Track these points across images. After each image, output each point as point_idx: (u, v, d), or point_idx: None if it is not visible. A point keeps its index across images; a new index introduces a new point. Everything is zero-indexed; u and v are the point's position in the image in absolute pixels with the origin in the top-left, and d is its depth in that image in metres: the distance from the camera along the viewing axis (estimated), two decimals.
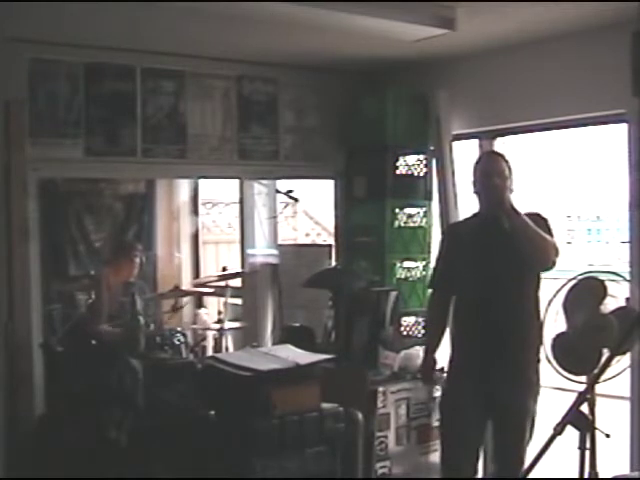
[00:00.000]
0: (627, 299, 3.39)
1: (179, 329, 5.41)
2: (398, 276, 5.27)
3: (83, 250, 6.78)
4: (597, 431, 2.68)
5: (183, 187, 7.41)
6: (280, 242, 6.04)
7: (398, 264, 5.28)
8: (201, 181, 7.21)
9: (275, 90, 5.45)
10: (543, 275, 3.74)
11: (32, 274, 4.54)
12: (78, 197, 6.80)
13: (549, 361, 3.47)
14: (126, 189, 7.10)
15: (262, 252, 5.79)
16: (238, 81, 5.30)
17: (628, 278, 3.76)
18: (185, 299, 6.49)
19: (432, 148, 5.29)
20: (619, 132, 4.31)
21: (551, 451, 2.37)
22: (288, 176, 5.69)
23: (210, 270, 7.34)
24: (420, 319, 5.21)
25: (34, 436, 4.46)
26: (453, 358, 3.87)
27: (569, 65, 4.46)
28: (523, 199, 3.80)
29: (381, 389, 4.34)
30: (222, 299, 6.06)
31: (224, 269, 6.14)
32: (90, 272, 6.18)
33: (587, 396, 2.48)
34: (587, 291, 3.35)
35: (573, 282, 3.44)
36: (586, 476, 2.64)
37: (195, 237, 7.50)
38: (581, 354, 3.24)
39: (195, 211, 7.51)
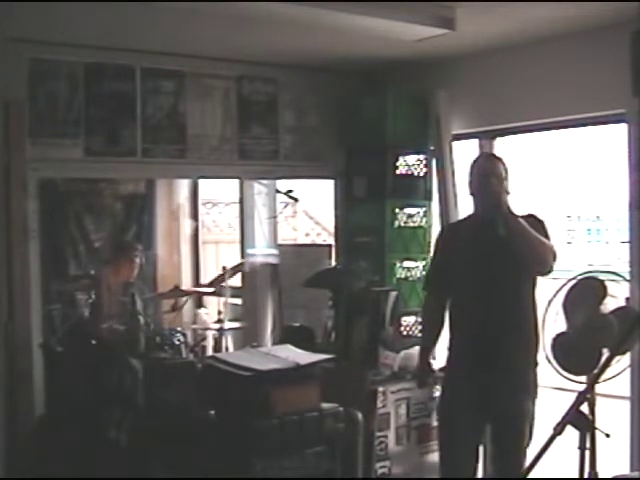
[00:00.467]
0: (627, 299, 3.39)
1: (179, 329, 5.41)
2: (398, 276, 5.27)
3: (83, 250, 6.78)
4: (597, 431, 2.68)
5: (183, 187, 7.41)
6: (280, 242, 6.04)
7: (398, 264, 5.28)
8: (201, 181, 7.21)
9: (275, 90, 5.45)
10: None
11: (32, 274, 4.54)
12: (78, 197, 6.80)
13: (549, 361, 3.47)
14: (126, 189, 7.10)
15: (262, 252, 5.79)
16: (238, 81, 5.30)
17: (628, 278, 3.77)
18: (184, 298, 6.49)
19: (432, 148, 5.29)
20: (619, 132, 4.31)
21: (551, 451, 2.37)
22: (288, 176, 5.70)
23: (210, 270, 7.34)
24: (420, 319, 5.20)
25: (34, 436, 4.46)
26: (450, 360, 3.86)
27: (569, 65, 4.46)
28: (523, 199, 3.79)
29: (381, 389, 4.34)
30: (222, 299, 6.06)
31: (224, 269, 6.14)
32: (90, 272, 6.18)
33: (587, 396, 2.48)
34: (587, 291, 3.35)
35: (573, 282, 3.44)
36: (586, 476, 2.64)
37: (195, 237, 7.50)
38: (581, 354, 3.24)
39: (195, 213, 7.50)
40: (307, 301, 5.32)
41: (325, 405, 3.86)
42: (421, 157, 5.37)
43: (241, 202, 5.81)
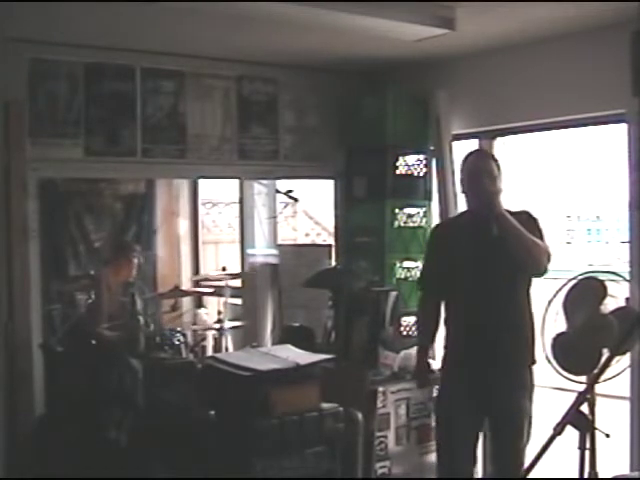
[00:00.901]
0: (627, 299, 3.39)
1: (179, 329, 5.41)
2: (398, 276, 5.27)
3: (83, 250, 6.78)
4: (597, 431, 2.69)
5: (183, 187, 7.41)
6: (280, 242, 6.04)
7: (398, 264, 5.28)
8: (201, 181, 7.21)
9: (275, 90, 5.45)
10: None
11: (32, 274, 4.54)
12: (78, 197, 6.80)
13: (549, 361, 3.47)
14: (126, 189, 7.10)
15: (262, 252, 5.79)
16: (238, 81, 5.30)
17: (628, 278, 3.76)
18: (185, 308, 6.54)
19: (432, 148, 5.29)
20: (619, 132, 4.31)
21: (551, 451, 2.37)
22: (288, 176, 5.70)
23: (210, 270, 7.34)
24: (416, 318, 5.20)
25: (34, 436, 4.46)
26: (446, 359, 3.85)
27: (569, 65, 4.46)
28: (523, 199, 3.79)
29: (381, 389, 4.34)
30: (222, 299, 6.07)
31: (224, 269, 6.14)
32: (90, 272, 6.18)
33: (587, 396, 2.48)
34: (587, 291, 3.35)
35: (573, 282, 3.44)
36: (586, 476, 2.64)
37: (195, 237, 7.50)
38: (581, 354, 3.24)
39: (195, 213, 7.50)
40: (307, 301, 5.32)
41: (325, 405, 3.86)
42: (421, 157, 5.37)
43: (241, 202, 5.81)
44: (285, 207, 7.09)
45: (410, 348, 4.61)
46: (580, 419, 2.44)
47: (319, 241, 9.27)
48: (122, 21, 4.15)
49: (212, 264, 7.60)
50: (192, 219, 7.53)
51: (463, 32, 4.26)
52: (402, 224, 5.30)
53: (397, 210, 5.28)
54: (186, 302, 6.86)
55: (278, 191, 5.79)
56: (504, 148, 5.00)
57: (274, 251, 5.79)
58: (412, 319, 5.26)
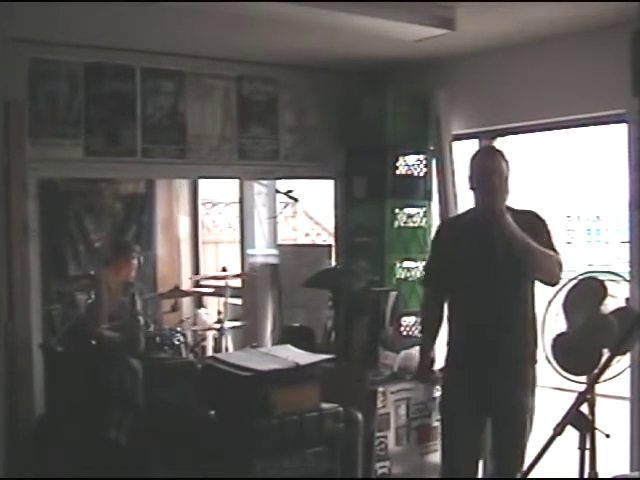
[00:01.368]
0: (627, 299, 3.38)
1: (179, 329, 5.41)
2: (398, 276, 5.27)
3: (83, 250, 6.78)
4: (597, 431, 2.68)
5: (183, 187, 7.41)
6: (280, 242, 6.04)
7: (398, 264, 5.28)
8: (201, 181, 7.21)
9: (275, 90, 5.45)
10: None
11: (32, 274, 4.54)
12: (78, 197, 6.80)
13: (549, 361, 3.47)
14: (126, 189, 7.10)
15: (262, 252, 5.79)
16: (238, 81, 5.31)
17: (628, 278, 3.76)
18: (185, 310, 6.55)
19: (432, 148, 5.29)
20: (619, 132, 4.31)
21: (551, 451, 2.37)
22: (288, 176, 5.70)
23: (210, 270, 7.34)
24: (419, 316, 5.20)
25: (34, 436, 4.46)
26: (449, 357, 3.85)
27: (569, 65, 4.46)
28: (523, 199, 3.78)
29: (381, 389, 4.33)
30: (222, 299, 6.06)
31: (224, 269, 6.14)
32: (90, 272, 6.17)
33: (587, 396, 2.48)
34: (587, 291, 3.35)
35: (573, 282, 3.44)
36: (586, 476, 2.64)
37: (195, 237, 7.50)
38: (581, 354, 3.23)
39: (195, 213, 7.50)
40: (307, 301, 5.32)
41: (325, 405, 3.86)
42: (421, 157, 5.37)
43: (241, 202, 5.81)
44: (285, 207, 7.09)
45: (410, 348, 4.62)
46: (580, 419, 2.44)
47: (319, 241, 9.27)
48: (122, 21, 4.15)
49: (212, 264, 7.60)
50: (192, 219, 7.53)
51: (463, 32, 4.26)
52: (402, 224, 5.30)
53: (397, 210, 5.28)
54: (186, 302, 6.86)
55: (278, 191, 5.79)
56: (504, 148, 5.00)
57: (274, 251, 5.79)
58: (412, 319, 5.27)
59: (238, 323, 5.88)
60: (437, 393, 4.48)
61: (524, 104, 4.69)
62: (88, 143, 4.74)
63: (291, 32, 4.42)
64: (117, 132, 4.84)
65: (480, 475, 4.02)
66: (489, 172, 3.60)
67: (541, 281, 3.60)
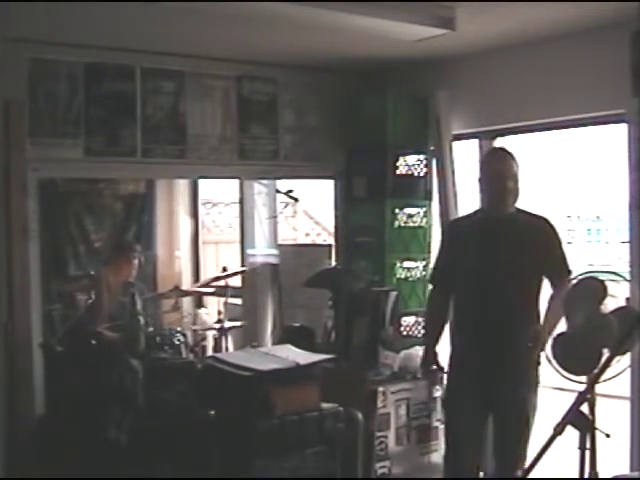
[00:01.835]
0: (627, 299, 3.38)
1: (179, 329, 5.41)
2: (398, 276, 5.27)
3: (83, 250, 6.78)
4: (597, 431, 2.68)
5: (183, 187, 7.41)
6: (280, 242, 6.04)
7: (398, 264, 5.28)
8: (201, 181, 7.21)
9: (275, 90, 5.45)
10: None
11: (32, 274, 4.54)
12: (78, 197, 6.80)
13: (549, 361, 3.46)
14: (126, 189, 7.10)
15: (262, 252, 5.79)
16: (238, 81, 5.30)
17: (628, 278, 3.76)
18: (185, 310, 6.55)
19: (432, 148, 5.29)
20: (619, 132, 4.31)
21: (551, 451, 2.37)
22: (288, 176, 5.70)
23: (210, 270, 7.34)
24: (420, 319, 5.21)
25: (34, 436, 4.46)
26: (453, 356, 3.87)
27: (569, 65, 4.46)
28: (523, 199, 3.79)
29: (381, 389, 4.34)
30: (222, 299, 6.06)
31: (224, 269, 6.14)
32: (90, 272, 6.17)
33: (587, 396, 2.48)
34: (587, 291, 3.34)
35: (573, 282, 3.44)
36: (586, 476, 2.64)
37: (195, 237, 7.49)
38: (581, 354, 3.23)
39: (195, 213, 7.50)
40: (307, 301, 5.32)
41: (325, 405, 3.86)
42: (421, 157, 5.37)
43: (241, 202, 5.81)
44: (285, 207, 7.09)
45: (410, 348, 4.62)
46: (580, 419, 2.44)
47: (319, 241, 9.27)
48: (122, 21, 4.15)
49: (212, 264, 7.60)
50: (192, 219, 7.52)
51: (463, 32, 4.26)
52: (402, 224, 5.30)
53: (397, 210, 5.28)
54: (186, 302, 6.86)
55: (278, 191, 5.79)
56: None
57: (274, 251, 5.79)
58: (412, 319, 5.27)
59: (238, 323, 5.88)
60: (437, 393, 4.50)
61: (524, 104, 4.68)
62: (88, 143, 4.74)
63: (291, 32, 4.41)
64: (117, 132, 4.83)
65: (481, 474, 4.03)
66: (499, 175, 3.63)
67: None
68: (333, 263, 5.59)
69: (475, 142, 5.09)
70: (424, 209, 5.38)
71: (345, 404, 3.94)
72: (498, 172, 3.66)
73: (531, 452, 3.53)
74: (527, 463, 2.80)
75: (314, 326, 4.96)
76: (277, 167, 5.51)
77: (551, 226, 3.72)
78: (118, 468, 4.15)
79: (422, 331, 5.17)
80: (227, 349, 5.81)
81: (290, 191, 5.72)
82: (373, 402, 4.29)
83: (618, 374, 2.99)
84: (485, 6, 3.92)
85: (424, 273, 5.31)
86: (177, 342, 5.14)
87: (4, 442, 4.43)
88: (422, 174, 5.38)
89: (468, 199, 4.98)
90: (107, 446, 4.31)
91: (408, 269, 5.33)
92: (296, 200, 6.03)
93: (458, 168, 5.14)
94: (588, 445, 2.59)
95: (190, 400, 4.09)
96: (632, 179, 4.18)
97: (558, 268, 3.65)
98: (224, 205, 8.66)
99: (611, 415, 3.80)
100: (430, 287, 4.15)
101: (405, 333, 5.23)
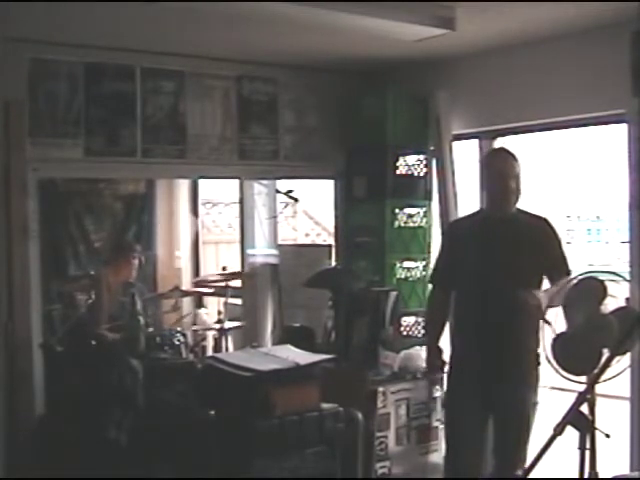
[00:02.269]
0: (627, 299, 3.38)
1: (179, 329, 5.41)
2: (398, 276, 5.27)
3: (83, 250, 6.78)
4: (597, 431, 2.68)
5: (183, 187, 7.41)
6: (280, 242, 6.03)
7: (398, 264, 5.28)
8: (201, 181, 7.21)
9: (275, 90, 5.45)
10: None
11: (32, 274, 4.54)
12: (78, 197, 6.80)
13: (549, 361, 3.46)
14: (126, 189, 7.10)
15: (262, 252, 5.78)
16: (238, 81, 5.30)
17: (628, 278, 3.76)
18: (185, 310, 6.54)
19: (432, 148, 5.29)
20: (619, 132, 4.31)
21: (551, 451, 2.37)
22: (288, 176, 5.70)
23: (210, 270, 7.34)
24: (420, 319, 5.21)
25: (34, 436, 4.46)
26: (453, 356, 3.88)
27: (569, 65, 4.46)
28: (524, 199, 3.80)
29: (381, 389, 4.34)
30: (222, 299, 6.06)
31: (224, 269, 6.14)
32: (90, 272, 6.18)
33: (587, 396, 2.48)
34: (587, 291, 3.34)
35: (573, 282, 3.44)
36: (586, 476, 2.64)
37: (195, 237, 7.49)
38: (581, 354, 3.23)
39: (195, 213, 7.50)
40: (307, 301, 5.32)
41: (325, 405, 3.86)
42: (421, 157, 5.37)
43: (241, 202, 5.80)
44: (285, 207, 7.08)
45: (410, 348, 4.62)
46: (580, 419, 2.44)
47: (319, 241, 9.27)
48: (122, 21, 4.15)
49: (212, 264, 7.60)
50: (192, 219, 7.52)
51: (463, 32, 4.26)
52: (402, 224, 5.30)
53: (397, 210, 5.27)
54: (186, 302, 6.86)
55: (278, 191, 5.79)
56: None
57: (274, 251, 5.79)
58: (412, 319, 5.27)
59: (238, 323, 5.88)
60: (437, 393, 4.49)
61: (524, 104, 4.68)
62: (88, 143, 4.74)
63: (291, 32, 4.41)
64: (117, 132, 4.83)
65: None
66: (501, 175, 3.64)
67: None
68: (333, 263, 5.59)
69: (475, 142, 5.09)
70: (424, 209, 5.38)
71: (345, 404, 3.94)
72: (500, 172, 3.67)
73: (531, 452, 3.54)
74: (527, 463, 2.80)
75: (314, 326, 4.96)
76: (277, 167, 5.51)
77: (551, 226, 3.73)
78: (118, 468, 4.14)
79: (422, 331, 5.18)
80: (227, 349, 5.81)
81: (290, 191, 5.72)
82: (373, 402, 4.29)
83: (618, 374, 2.99)
84: (485, 6, 3.92)
85: (424, 273, 5.31)
86: (177, 342, 5.13)
87: (4, 442, 4.43)
88: (422, 174, 5.38)
89: (468, 199, 4.99)
90: (107, 446, 4.31)
91: (408, 269, 5.33)
92: (296, 200, 6.02)
93: (458, 168, 5.14)
94: (588, 445, 2.59)
95: (190, 400, 4.09)
96: (632, 179, 4.18)
97: (558, 268, 3.65)
98: (224, 205, 8.65)
99: (611, 415, 3.81)
100: (430, 287, 4.16)
101: (405, 333, 5.23)
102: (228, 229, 8.51)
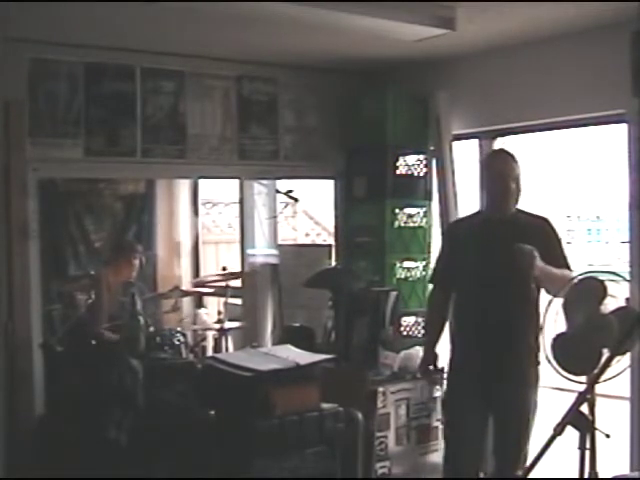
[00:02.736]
0: (627, 299, 3.38)
1: (179, 329, 5.41)
2: (398, 276, 5.27)
3: (83, 250, 6.78)
4: (597, 431, 2.68)
5: (183, 187, 7.41)
6: (280, 242, 6.03)
7: (398, 264, 5.28)
8: (201, 181, 7.21)
9: (275, 90, 5.45)
10: None
11: (32, 274, 4.54)
12: (78, 197, 6.80)
13: (549, 361, 3.47)
14: (126, 189, 7.10)
15: (262, 252, 5.79)
16: (238, 81, 5.30)
17: (628, 278, 3.76)
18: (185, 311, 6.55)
19: (432, 148, 5.29)
20: (619, 132, 4.31)
21: (551, 451, 2.37)
22: (288, 176, 5.70)
23: (210, 270, 7.34)
24: (420, 319, 5.21)
25: (34, 436, 4.46)
26: (453, 356, 3.88)
27: (569, 65, 4.46)
28: (524, 199, 3.80)
29: (381, 389, 4.34)
30: (222, 299, 6.06)
31: (224, 269, 6.14)
32: (90, 272, 6.18)
33: (587, 396, 2.48)
34: (587, 291, 3.34)
35: (573, 282, 3.44)
36: (586, 476, 2.64)
37: (195, 237, 7.49)
38: (581, 354, 3.23)
39: (195, 211, 7.50)
40: (307, 301, 5.32)
41: (325, 405, 3.86)
42: (421, 157, 5.37)
43: (241, 202, 5.80)
44: (285, 207, 7.08)
45: (410, 348, 4.62)
46: (580, 419, 2.44)
47: (319, 241, 9.27)
48: (122, 21, 4.15)
49: (212, 264, 7.60)
50: (193, 219, 7.52)
51: (463, 32, 4.26)
52: (402, 224, 5.30)
53: (397, 210, 5.27)
54: (186, 302, 6.86)
55: (278, 191, 5.79)
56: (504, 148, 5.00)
57: (274, 251, 5.79)
58: (412, 319, 5.27)
59: (238, 323, 5.88)
60: (437, 393, 4.49)
61: (524, 104, 4.68)
62: (88, 143, 4.74)
63: (291, 32, 4.41)
64: (117, 132, 4.83)
65: (481, 474, 4.03)
66: (501, 176, 3.65)
67: (546, 292, 3.61)
68: (333, 263, 5.59)
69: (475, 142, 5.09)
70: (424, 209, 5.38)
71: (345, 404, 3.94)
72: (500, 173, 3.67)
73: (531, 452, 3.54)
74: (527, 463, 2.80)
75: (314, 326, 4.95)
76: (277, 167, 5.51)
77: (551, 226, 3.73)
78: (118, 468, 4.14)
79: (422, 331, 5.18)
80: (227, 349, 5.81)
81: (290, 191, 5.72)
82: (373, 402, 4.29)
83: (618, 374, 2.99)
84: (485, 6, 3.92)
85: (424, 273, 5.31)
86: (177, 342, 5.13)
87: (4, 442, 4.43)
88: (422, 174, 5.38)
89: (468, 199, 4.99)
90: (107, 446, 4.31)
91: (408, 269, 5.33)
92: (296, 200, 6.02)
93: (458, 168, 5.14)
94: (588, 445, 2.59)
95: (190, 400, 4.09)
96: (632, 179, 4.18)
97: (560, 267, 3.65)
98: (224, 205, 8.65)
99: (611, 415, 3.81)
100: (430, 287, 4.16)
101: (405, 333, 5.23)
102: (228, 229, 8.51)
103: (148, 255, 6.62)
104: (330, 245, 5.89)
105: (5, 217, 4.43)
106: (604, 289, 3.25)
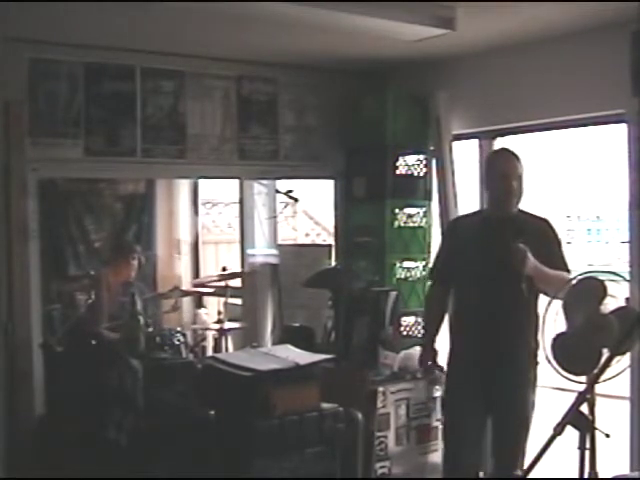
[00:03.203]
0: (627, 299, 3.38)
1: (179, 329, 5.41)
2: (398, 276, 5.27)
3: (83, 250, 6.78)
4: (597, 431, 2.68)
5: (183, 187, 7.41)
6: (280, 242, 6.04)
7: (398, 264, 5.28)
8: (201, 181, 7.21)
9: (275, 90, 5.45)
10: None
11: (32, 274, 4.53)
12: (78, 197, 6.80)
13: (549, 361, 3.47)
14: (126, 189, 7.10)
15: (262, 252, 5.79)
16: (238, 81, 5.30)
17: (628, 278, 3.76)
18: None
19: (432, 148, 5.29)
20: (619, 132, 4.31)
21: (551, 451, 2.37)
22: (288, 176, 5.69)
23: (210, 270, 7.34)
24: (420, 319, 5.20)
25: (34, 436, 4.46)
26: (451, 355, 3.88)
27: (569, 65, 4.46)
28: (524, 199, 3.80)
29: (381, 389, 4.34)
30: (222, 299, 6.06)
31: (224, 269, 6.14)
32: (90, 272, 6.18)
33: (587, 396, 2.48)
34: (587, 291, 3.34)
35: (573, 282, 3.44)
36: (586, 476, 2.64)
37: (195, 237, 7.49)
38: (581, 354, 3.23)
39: (195, 211, 7.50)
40: (307, 301, 5.32)
41: (325, 405, 3.86)
42: (421, 157, 5.37)
43: (241, 202, 5.80)
44: (285, 207, 7.08)
45: (410, 348, 4.62)
46: (580, 419, 2.44)
47: (319, 241, 9.27)
48: (122, 21, 4.15)
49: (212, 264, 7.60)
50: (192, 219, 7.52)
51: (463, 32, 4.26)
52: (402, 224, 5.30)
53: (397, 210, 5.27)
54: (186, 302, 6.86)
55: (278, 191, 5.79)
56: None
57: (274, 251, 5.79)
58: (412, 319, 5.27)
59: (238, 323, 5.88)
60: (437, 393, 4.49)
61: (524, 104, 4.68)
62: (88, 143, 4.74)
63: (291, 32, 4.41)
64: (117, 132, 4.83)
65: (481, 474, 4.04)
66: (504, 175, 3.65)
67: (544, 294, 3.61)
68: (333, 263, 5.59)
69: (475, 142, 5.09)
70: (424, 209, 5.38)
71: (345, 404, 3.94)
72: (503, 172, 3.68)
73: (531, 452, 3.54)
74: (527, 463, 2.80)
75: (314, 326, 4.96)
76: (277, 167, 5.51)
77: (552, 227, 3.73)
78: (118, 468, 4.14)
79: (422, 331, 5.17)
80: (227, 349, 5.82)
81: (290, 191, 5.72)
82: (373, 402, 4.29)
83: (618, 374, 2.99)
84: (485, 6, 3.92)
85: (424, 273, 5.31)
86: (177, 342, 5.13)
87: (4, 442, 4.43)
88: (422, 174, 5.38)
89: (468, 199, 4.99)
90: (107, 446, 4.31)
91: (408, 269, 5.33)
92: (296, 200, 6.02)
93: (458, 168, 5.14)
94: (588, 445, 2.59)
95: (190, 400, 4.09)
96: (632, 179, 4.18)
97: (557, 269, 3.65)
98: (224, 205, 8.65)
99: (611, 415, 3.81)
100: (429, 283, 4.17)
101: (405, 333, 5.23)
102: (228, 229, 8.51)
103: (148, 255, 6.62)
104: (330, 245, 5.89)
105: (5, 217, 4.43)
106: (604, 289, 3.25)
